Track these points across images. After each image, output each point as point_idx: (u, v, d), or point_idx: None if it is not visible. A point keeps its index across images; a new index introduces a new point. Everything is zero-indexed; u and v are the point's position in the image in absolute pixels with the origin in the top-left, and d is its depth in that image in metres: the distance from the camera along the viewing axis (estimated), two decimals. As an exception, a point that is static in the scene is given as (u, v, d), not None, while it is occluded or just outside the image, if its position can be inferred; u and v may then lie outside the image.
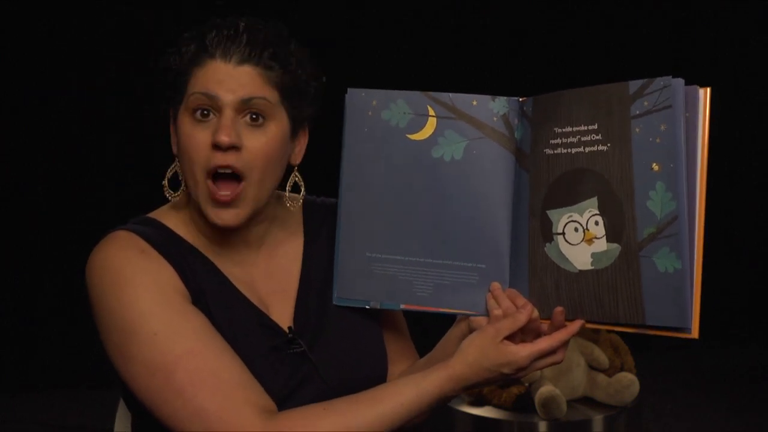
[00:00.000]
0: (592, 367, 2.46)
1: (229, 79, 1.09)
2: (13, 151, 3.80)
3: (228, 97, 1.09)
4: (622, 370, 2.47)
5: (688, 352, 4.18)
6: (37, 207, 3.84)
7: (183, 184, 1.17)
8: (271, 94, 1.11)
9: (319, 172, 1.18)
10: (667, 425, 3.46)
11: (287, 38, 1.15)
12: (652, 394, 3.62)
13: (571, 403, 2.39)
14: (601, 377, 2.44)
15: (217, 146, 1.09)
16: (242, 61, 1.10)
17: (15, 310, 3.84)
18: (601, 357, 2.45)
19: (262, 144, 1.11)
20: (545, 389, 2.30)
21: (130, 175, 3.87)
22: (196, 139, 1.10)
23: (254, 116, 1.11)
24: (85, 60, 3.81)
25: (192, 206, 1.17)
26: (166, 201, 1.23)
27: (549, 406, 2.28)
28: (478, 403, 2.40)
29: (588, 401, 2.44)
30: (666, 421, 3.50)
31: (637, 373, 2.47)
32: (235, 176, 1.11)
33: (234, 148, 1.09)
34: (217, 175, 1.11)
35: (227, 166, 1.10)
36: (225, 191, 1.11)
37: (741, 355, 4.29)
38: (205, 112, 1.10)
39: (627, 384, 2.40)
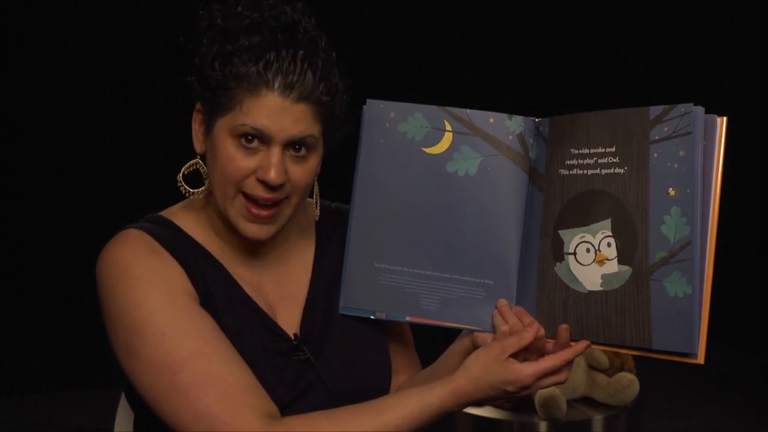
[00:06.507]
0: (592, 367, 2.47)
1: (284, 116, 1.06)
2: (13, 151, 3.76)
3: (281, 134, 1.07)
4: (622, 370, 2.47)
5: (688, 352, 4.17)
6: (38, 207, 3.81)
7: (206, 187, 1.15)
8: (317, 130, 1.10)
9: (332, 179, 1.17)
10: (667, 425, 3.47)
11: (332, 56, 1.12)
12: (652, 394, 3.62)
13: (571, 403, 2.40)
14: (601, 377, 2.44)
15: (264, 183, 1.08)
16: (300, 99, 1.07)
17: (15, 311, 3.81)
18: (601, 357, 2.45)
19: (303, 174, 1.11)
20: (545, 389, 2.30)
21: (131, 174, 3.85)
22: (238, 164, 1.08)
23: (298, 149, 1.10)
24: (85, 58, 3.76)
25: (211, 209, 1.16)
26: (170, 201, 1.21)
27: (549, 406, 2.28)
28: (479, 403, 2.40)
29: (588, 401, 2.45)
30: (666, 421, 3.51)
31: (637, 373, 2.47)
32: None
33: (280, 185, 1.09)
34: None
35: (269, 199, 1.09)
36: (263, 211, 1.10)
37: (741, 356, 4.28)
38: (251, 138, 1.08)
39: (627, 384, 2.40)
